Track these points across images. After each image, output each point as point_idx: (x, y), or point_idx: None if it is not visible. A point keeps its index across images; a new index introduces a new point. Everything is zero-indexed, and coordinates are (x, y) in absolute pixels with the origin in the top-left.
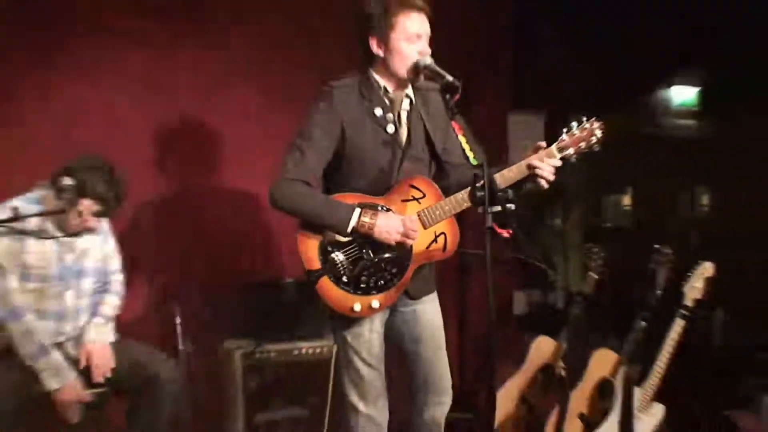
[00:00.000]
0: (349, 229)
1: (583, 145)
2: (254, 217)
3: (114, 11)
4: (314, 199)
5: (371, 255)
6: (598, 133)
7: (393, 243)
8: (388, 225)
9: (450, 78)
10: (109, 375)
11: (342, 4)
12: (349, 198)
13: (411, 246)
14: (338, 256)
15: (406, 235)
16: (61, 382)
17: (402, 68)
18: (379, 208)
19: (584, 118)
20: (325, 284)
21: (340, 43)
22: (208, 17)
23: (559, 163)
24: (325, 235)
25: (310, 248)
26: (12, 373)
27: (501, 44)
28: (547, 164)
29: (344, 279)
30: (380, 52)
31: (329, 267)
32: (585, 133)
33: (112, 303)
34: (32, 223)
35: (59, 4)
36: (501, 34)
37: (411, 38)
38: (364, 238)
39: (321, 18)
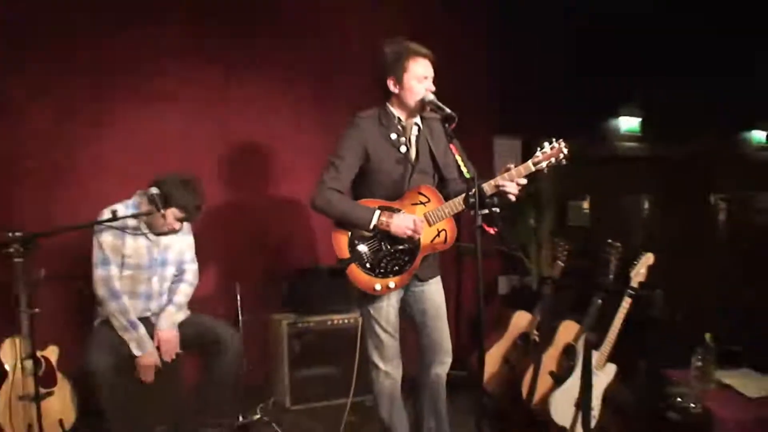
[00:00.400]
0: (371, 226)
1: (553, 160)
2: (297, 219)
3: (185, 57)
4: (345, 203)
5: (388, 247)
6: (565, 150)
7: (405, 237)
8: (401, 223)
9: (448, 111)
10: (174, 357)
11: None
12: (371, 203)
13: (419, 239)
14: (363, 248)
15: (415, 231)
16: (143, 350)
17: (412, 101)
18: (395, 210)
19: (554, 140)
20: (353, 269)
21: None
22: (265, 57)
23: (524, 182)
24: (352, 231)
25: (341, 242)
26: (112, 336)
27: (488, 83)
28: (513, 185)
29: (368, 265)
30: (396, 90)
31: (356, 256)
32: (554, 150)
33: (184, 291)
34: (130, 224)
35: (142, 46)
36: (488, 75)
37: (419, 79)
38: (383, 234)
39: (352, 61)
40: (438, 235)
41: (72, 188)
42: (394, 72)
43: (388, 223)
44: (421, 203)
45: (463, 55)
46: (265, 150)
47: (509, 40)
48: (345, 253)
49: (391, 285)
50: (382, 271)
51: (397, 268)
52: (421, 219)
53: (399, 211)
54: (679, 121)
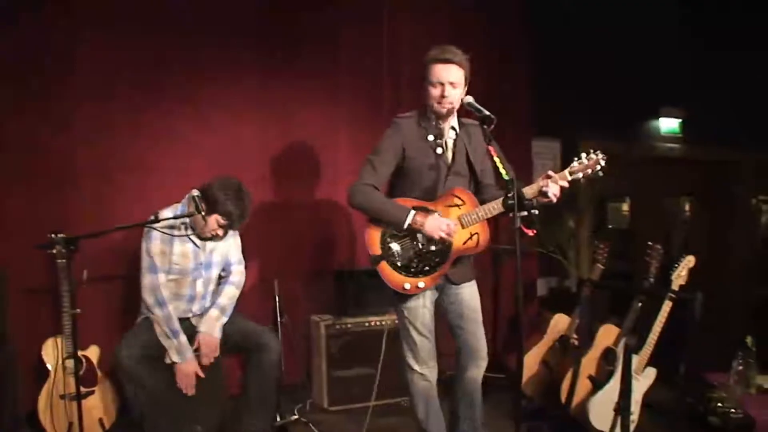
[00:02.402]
0: (405, 225)
1: (589, 171)
2: (336, 221)
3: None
4: (381, 200)
5: (420, 247)
6: (602, 162)
7: (437, 238)
8: (434, 224)
9: (486, 112)
10: (212, 361)
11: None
12: (407, 202)
13: (451, 241)
14: (394, 246)
15: (448, 233)
16: (182, 359)
17: (432, 106)
18: (429, 211)
19: (592, 151)
20: (384, 267)
21: (416, 98)
22: (306, 62)
23: (566, 185)
24: (385, 229)
25: (373, 238)
26: (149, 333)
27: (525, 85)
28: (554, 188)
29: (398, 263)
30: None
31: (387, 254)
32: (592, 162)
33: (228, 293)
34: (177, 228)
35: (187, 53)
36: (525, 77)
37: (435, 84)
38: (416, 233)
39: (391, 66)
40: (471, 238)
41: (118, 192)
42: (423, 77)
43: (422, 223)
44: (456, 205)
45: (499, 57)
46: (305, 152)
47: (546, 41)
48: (377, 250)
49: (421, 285)
50: (412, 270)
51: (427, 268)
52: (456, 222)
53: (433, 212)
54: (721, 122)
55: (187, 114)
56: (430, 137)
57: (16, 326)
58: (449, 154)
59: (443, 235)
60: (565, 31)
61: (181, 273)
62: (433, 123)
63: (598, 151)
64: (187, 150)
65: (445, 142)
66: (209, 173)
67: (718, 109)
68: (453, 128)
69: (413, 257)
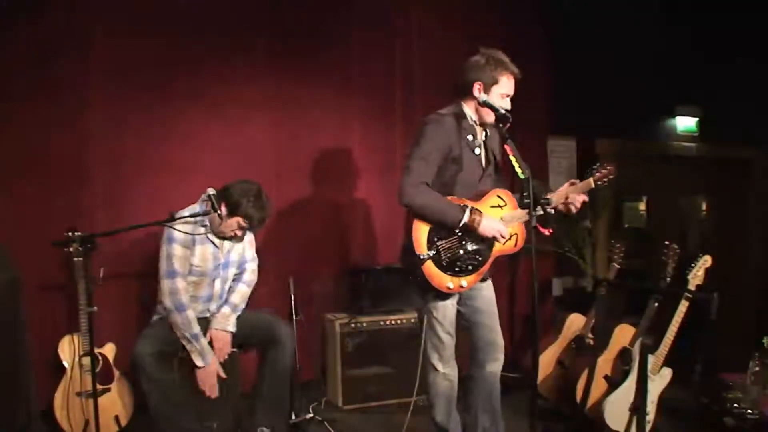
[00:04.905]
0: (461, 224)
1: (606, 180)
2: (354, 218)
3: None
4: (436, 197)
5: (466, 246)
6: (614, 173)
7: (490, 238)
8: (491, 225)
9: (503, 111)
10: (226, 357)
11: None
12: (454, 200)
13: (493, 242)
14: (442, 245)
15: (501, 234)
16: (204, 362)
17: (486, 112)
18: (479, 211)
19: (599, 164)
20: (428, 265)
21: (428, 97)
22: (322, 63)
23: (586, 198)
24: (432, 227)
25: (420, 236)
26: (164, 331)
27: (541, 83)
28: (578, 200)
29: (444, 263)
30: (479, 95)
31: (434, 252)
32: (605, 171)
33: (241, 291)
34: (198, 231)
35: (204, 54)
36: (541, 75)
37: (503, 95)
38: (465, 232)
39: (409, 65)
40: (510, 238)
41: (130, 191)
42: (484, 78)
43: (479, 222)
44: (499, 206)
45: (516, 56)
46: (318, 150)
47: (563, 39)
48: (423, 249)
49: (464, 284)
50: (456, 269)
51: (470, 267)
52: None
53: (481, 212)
54: (738, 120)
55: (200, 113)
56: (469, 137)
57: (32, 324)
58: (483, 155)
59: (498, 234)
60: (581, 31)
61: (201, 275)
62: (470, 122)
63: (606, 164)
64: (200, 149)
65: (481, 143)
66: (222, 172)
67: (732, 107)
68: (484, 129)
69: (459, 257)
